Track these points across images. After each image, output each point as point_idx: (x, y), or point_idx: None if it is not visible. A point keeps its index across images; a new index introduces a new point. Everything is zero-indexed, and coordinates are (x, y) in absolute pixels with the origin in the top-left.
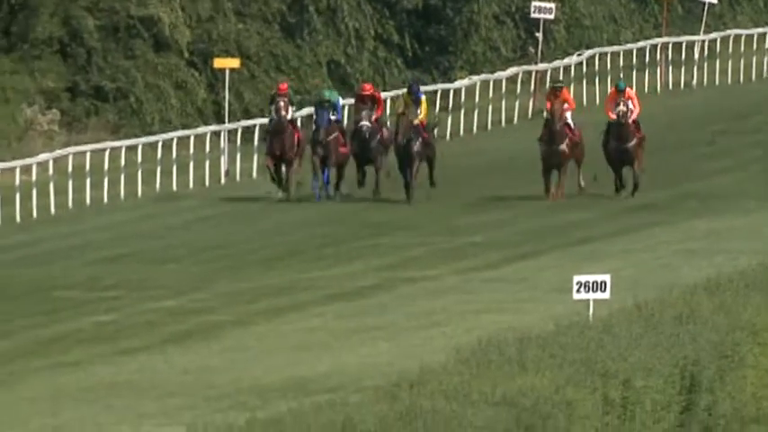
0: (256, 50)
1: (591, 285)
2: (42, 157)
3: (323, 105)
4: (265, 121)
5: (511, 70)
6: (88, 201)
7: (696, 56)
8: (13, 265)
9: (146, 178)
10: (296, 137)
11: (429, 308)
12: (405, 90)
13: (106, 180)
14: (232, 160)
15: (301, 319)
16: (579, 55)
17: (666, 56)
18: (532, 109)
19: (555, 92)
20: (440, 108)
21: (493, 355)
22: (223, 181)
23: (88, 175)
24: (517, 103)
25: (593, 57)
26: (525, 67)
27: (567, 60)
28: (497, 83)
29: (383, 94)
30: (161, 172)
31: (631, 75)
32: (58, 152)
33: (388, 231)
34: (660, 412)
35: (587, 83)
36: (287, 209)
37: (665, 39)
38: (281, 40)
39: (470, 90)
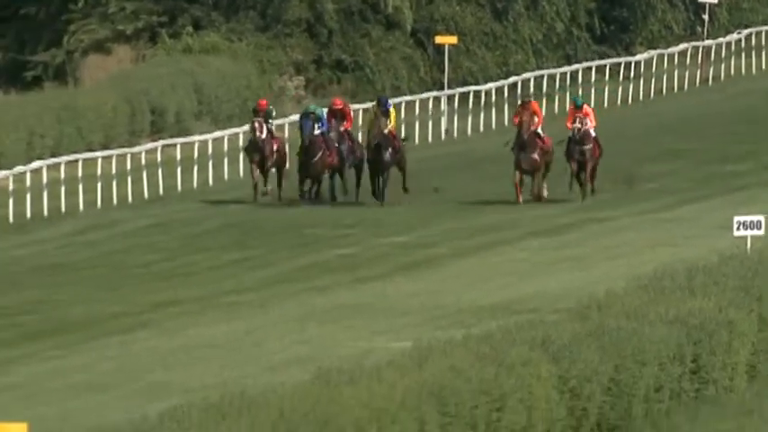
0: (470, 29)
1: (748, 224)
2: (293, 117)
3: (308, 117)
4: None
5: (681, 45)
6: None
7: None
8: (270, 207)
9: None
10: (275, 147)
11: (613, 243)
12: (375, 103)
13: None
14: (450, 121)
15: (508, 251)
16: (738, 33)
17: None
18: (699, 78)
19: (524, 105)
20: (623, 77)
21: (666, 282)
22: (443, 137)
23: None
24: (686, 73)
25: (750, 34)
26: (693, 43)
27: (728, 38)
28: (670, 56)
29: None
30: None
31: None
32: None
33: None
34: None
35: (745, 56)
36: (492, 157)
37: None
38: (491, 20)
39: (648, 62)
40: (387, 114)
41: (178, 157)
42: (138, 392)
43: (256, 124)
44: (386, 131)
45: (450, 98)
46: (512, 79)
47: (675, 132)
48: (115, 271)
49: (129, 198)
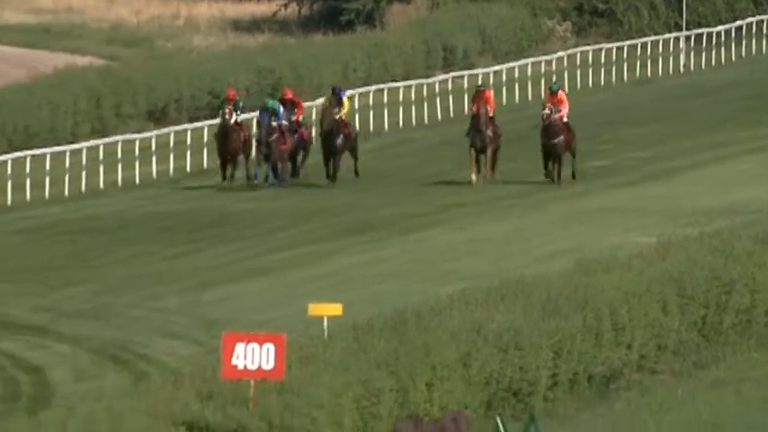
0: None
1: None
2: (559, 54)
3: (266, 110)
4: None
5: None
6: (589, 84)
7: None
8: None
9: (620, 67)
10: (242, 136)
11: None
12: (330, 93)
13: (592, 70)
14: (687, 57)
15: (734, 164)
16: None
17: None
18: None
19: (479, 93)
20: None
21: None
22: (681, 71)
23: (591, 66)
24: None
25: None
26: None
27: None
28: None
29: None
30: (640, 65)
31: None
32: (570, 51)
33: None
34: None
35: None
36: (724, 86)
37: None
38: None
39: None
40: (340, 103)
41: (465, 86)
42: (432, 279)
43: (227, 110)
44: (337, 118)
45: (688, 38)
46: (737, 23)
47: None
48: (413, 179)
49: (425, 120)
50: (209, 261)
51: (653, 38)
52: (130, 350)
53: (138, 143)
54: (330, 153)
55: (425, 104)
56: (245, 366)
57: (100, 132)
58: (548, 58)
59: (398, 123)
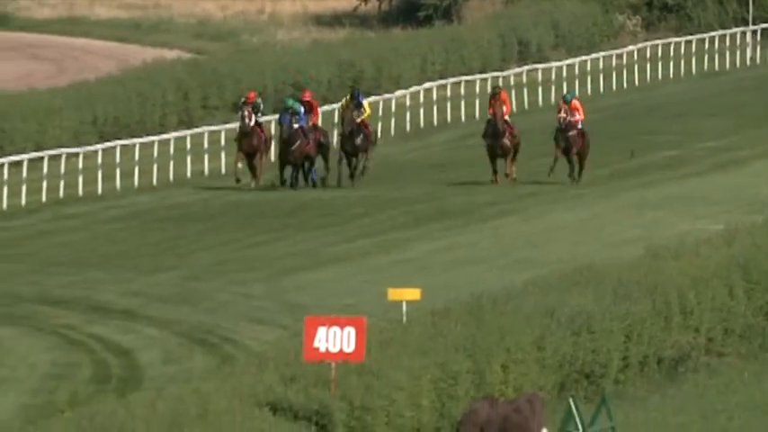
0: None
1: None
2: (629, 48)
3: (287, 111)
4: None
5: None
6: (658, 77)
7: None
8: (601, 121)
9: (689, 60)
10: (261, 136)
11: None
12: (348, 96)
13: (661, 64)
14: (753, 50)
15: None
16: None
17: None
18: None
19: (495, 96)
20: None
21: None
22: (748, 63)
23: (660, 60)
24: None
25: None
26: None
27: None
28: None
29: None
30: (708, 58)
31: None
32: (640, 45)
33: None
34: None
35: None
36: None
37: None
38: None
39: None
40: (359, 106)
41: (539, 78)
42: (507, 265)
43: (245, 113)
44: (357, 120)
45: (754, 32)
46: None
47: None
48: (488, 169)
49: None
50: (292, 248)
51: (720, 32)
52: (217, 334)
53: (223, 134)
54: (351, 153)
55: None
56: (326, 349)
57: (187, 123)
58: (618, 51)
59: (474, 115)
